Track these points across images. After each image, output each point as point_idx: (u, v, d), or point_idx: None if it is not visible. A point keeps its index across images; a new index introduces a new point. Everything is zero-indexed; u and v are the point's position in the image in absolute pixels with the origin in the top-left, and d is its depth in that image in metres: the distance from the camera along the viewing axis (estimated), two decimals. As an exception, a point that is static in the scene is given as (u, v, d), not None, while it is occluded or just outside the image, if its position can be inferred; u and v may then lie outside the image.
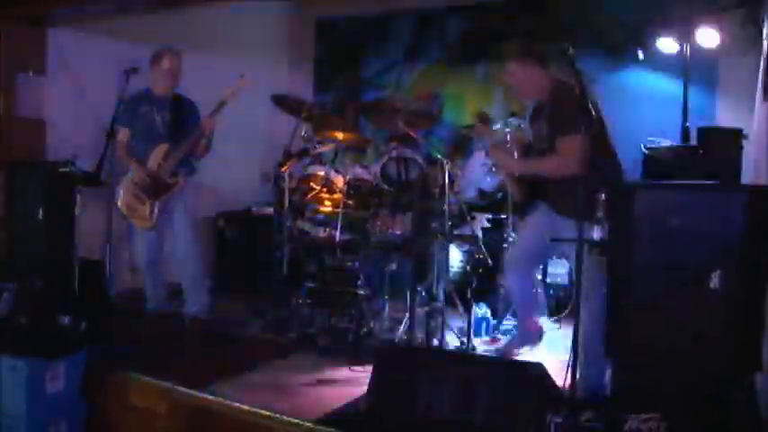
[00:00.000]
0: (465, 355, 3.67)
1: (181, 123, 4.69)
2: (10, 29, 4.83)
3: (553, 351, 4.32)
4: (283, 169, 4.70)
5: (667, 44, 5.22)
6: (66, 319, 3.69)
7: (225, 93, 4.55)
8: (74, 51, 5.15)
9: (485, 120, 4.25)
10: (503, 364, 2.68)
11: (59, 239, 4.46)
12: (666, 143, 4.75)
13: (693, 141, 4.69)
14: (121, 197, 4.69)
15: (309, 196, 4.82)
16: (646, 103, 5.56)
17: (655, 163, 4.58)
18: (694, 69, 5.15)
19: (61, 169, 4.47)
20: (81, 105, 5.18)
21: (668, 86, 5.43)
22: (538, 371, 2.45)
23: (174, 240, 4.80)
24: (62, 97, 5.11)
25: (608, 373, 3.33)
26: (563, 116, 3.73)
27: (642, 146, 4.67)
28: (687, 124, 4.95)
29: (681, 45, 5.15)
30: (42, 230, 4.51)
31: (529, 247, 4.19)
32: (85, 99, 5.20)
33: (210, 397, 3.50)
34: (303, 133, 4.95)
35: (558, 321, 4.95)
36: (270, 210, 5.44)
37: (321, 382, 3.80)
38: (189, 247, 4.79)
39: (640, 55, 5.37)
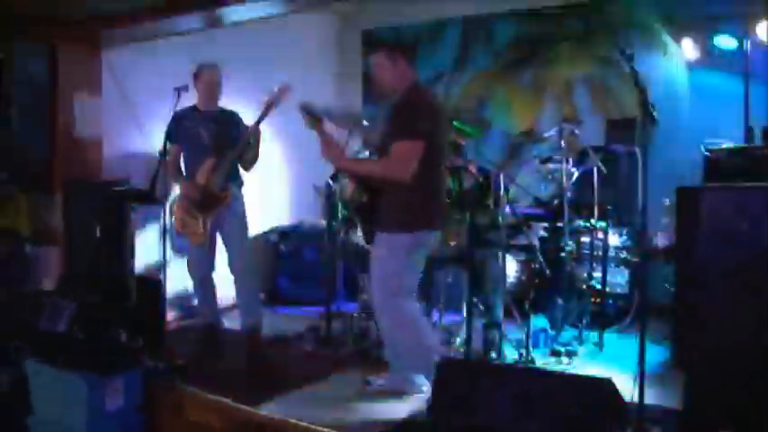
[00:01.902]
0: (529, 369, 3.57)
1: (227, 136, 4.65)
2: (68, 50, 4.92)
3: (615, 363, 4.21)
4: (335, 182, 4.68)
5: (726, 40, 5.05)
6: (123, 335, 3.71)
7: (267, 100, 4.47)
8: (126, 70, 5.22)
9: (311, 112, 3.96)
10: (568, 378, 2.58)
11: (116, 256, 4.51)
12: (727, 144, 4.58)
13: (758, 141, 4.51)
14: (174, 213, 4.68)
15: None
16: (703, 102, 5.40)
17: (717, 165, 4.41)
18: (755, 66, 4.97)
19: (116, 187, 4.54)
20: (133, 124, 5.25)
21: (728, 85, 5.24)
22: (605, 385, 2.35)
23: (227, 254, 4.73)
24: (116, 116, 5.18)
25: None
26: (406, 117, 3.54)
27: (702, 147, 4.51)
28: (750, 124, 4.77)
29: (740, 41, 4.97)
30: (99, 247, 4.57)
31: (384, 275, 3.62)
32: (138, 118, 5.26)
33: (265, 412, 3.48)
34: (354, 146, 4.91)
35: (618, 332, 4.81)
36: (322, 223, 5.43)
37: (378, 395, 3.74)
38: (242, 261, 4.72)
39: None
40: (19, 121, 4.75)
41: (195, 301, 5.08)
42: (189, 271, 4.80)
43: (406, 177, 3.43)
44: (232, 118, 4.78)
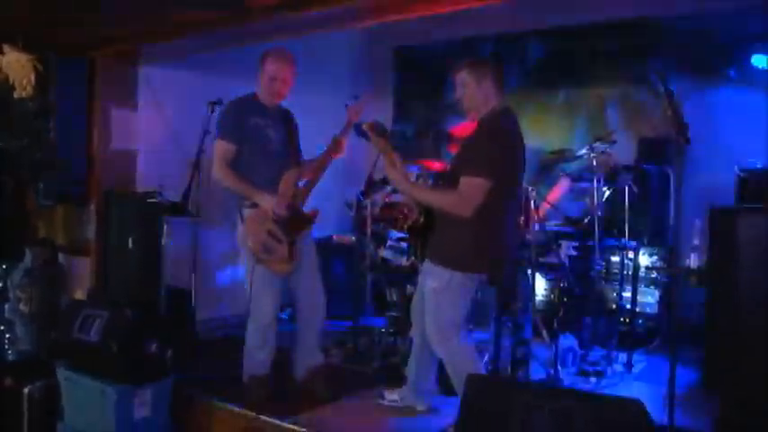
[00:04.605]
0: (558, 389, 3.53)
1: (295, 142, 3.98)
2: (107, 64, 5.02)
3: (644, 384, 4.15)
4: (366, 198, 4.68)
5: (761, 60, 5.00)
6: (153, 347, 3.75)
7: (351, 112, 4.00)
8: (160, 84, 5.30)
9: (381, 131, 3.61)
10: (598, 400, 2.55)
11: (148, 268, 4.57)
12: (761, 164, 4.53)
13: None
14: (251, 236, 3.72)
15: (392, 224, 4.79)
16: (738, 122, 5.33)
17: (750, 185, 4.36)
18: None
19: (150, 199, 4.59)
20: (167, 137, 5.32)
21: (763, 104, 5.17)
22: (636, 408, 2.32)
23: (295, 286, 3.99)
24: (150, 129, 5.26)
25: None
26: (480, 149, 3.32)
27: (736, 168, 4.46)
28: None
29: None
30: (132, 259, 4.63)
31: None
32: (172, 131, 5.33)
33: (295, 427, 3.48)
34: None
35: (647, 352, 4.75)
36: (352, 238, 5.44)
37: (406, 412, 3.73)
38: (316, 298, 4.02)
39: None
40: (58, 134, 4.84)
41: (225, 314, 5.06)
42: (256, 309, 3.79)
43: (467, 215, 3.23)
44: (293, 119, 4.04)
